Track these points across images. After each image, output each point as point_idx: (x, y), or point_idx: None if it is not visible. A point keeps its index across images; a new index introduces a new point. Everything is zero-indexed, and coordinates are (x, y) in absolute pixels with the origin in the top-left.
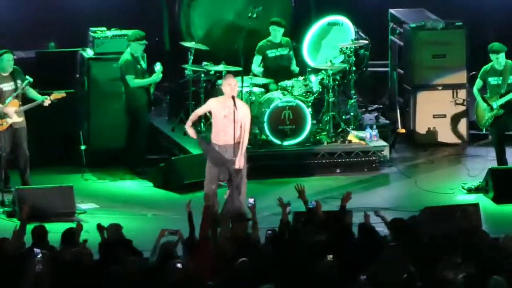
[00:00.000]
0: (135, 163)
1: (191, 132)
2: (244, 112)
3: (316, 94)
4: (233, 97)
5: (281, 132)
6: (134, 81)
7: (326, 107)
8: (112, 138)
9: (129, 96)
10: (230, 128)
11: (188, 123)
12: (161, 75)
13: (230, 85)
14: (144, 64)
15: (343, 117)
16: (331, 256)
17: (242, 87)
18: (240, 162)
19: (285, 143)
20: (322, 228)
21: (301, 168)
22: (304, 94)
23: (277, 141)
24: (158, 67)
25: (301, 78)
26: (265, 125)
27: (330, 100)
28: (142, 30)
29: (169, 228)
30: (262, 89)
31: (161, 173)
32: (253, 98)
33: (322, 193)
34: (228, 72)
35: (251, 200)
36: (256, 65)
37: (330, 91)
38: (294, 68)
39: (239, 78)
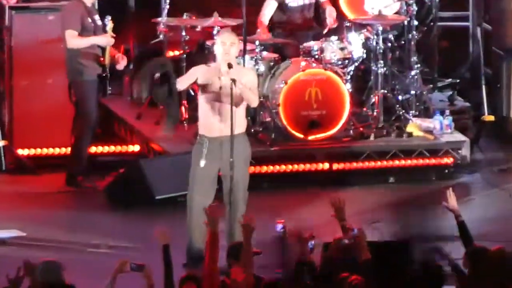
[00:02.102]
0: (77, 168)
1: None
2: (250, 80)
3: (358, 62)
4: (229, 64)
5: (304, 121)
6: (73, 40)
7: (373, 83)
8: (46, 131)
9: (71, 66)
10: (228, 107)
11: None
12: (113, 39)
13: (225, 44)
14: (99, 21)
15: (400, 97)
16: None
17: (244, 51)
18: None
19: (311, 137)
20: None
21: (335, 176)
22: (339, 63)
23: (298, 135)
24: (108, 23)
25: (335, 37)
26: (281, 109)
27: (379, 71)
28: None
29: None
30: (275, 55)
31: (120, 183)
32: (262, 69)
33: (366, 214)
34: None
35: (280, 226)
36: (267, 13)
37: (380, 58)
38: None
39: (241, 38)
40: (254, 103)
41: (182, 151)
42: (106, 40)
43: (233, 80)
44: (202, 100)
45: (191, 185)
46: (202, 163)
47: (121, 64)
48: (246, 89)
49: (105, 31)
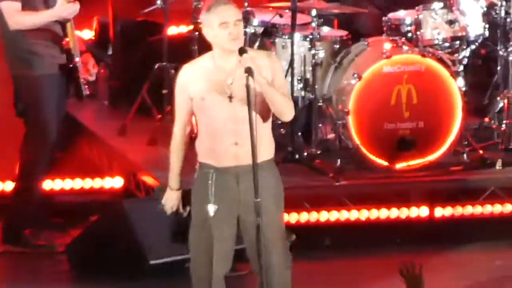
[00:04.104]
0: (23, 215)
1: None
2: (271, 72)
3: (477, 44)
4: (242, 50)
5: (390, 139)
6: (17, 17)
7: (501, 77)
8: None
9: (13, 55)
10: (245, 119)
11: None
12: (75, 6)
13: (227, 24)
14: None
15: None
16: None
17: (293, 26)
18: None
19: (401, 165)
20: None
21: (439, 227)
22: (446, 45)
23: (380, 161)
24: None
25: (439, 4)
26: (351, 120)
27: (510, 59)
28: None
29: None
30: (343, 32)
31: (92, 240)
32: (321, 54)
33: None
34: None
35: None
36: None
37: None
38: None
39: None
40: (287, 110)
41: (191, 186)
42: (62, 10)
43: (249, 71)
44: (202, 114)
45: (195, 247)
46: (211, 209)
47: (92, 73)
48: (270, 87)
49: None
